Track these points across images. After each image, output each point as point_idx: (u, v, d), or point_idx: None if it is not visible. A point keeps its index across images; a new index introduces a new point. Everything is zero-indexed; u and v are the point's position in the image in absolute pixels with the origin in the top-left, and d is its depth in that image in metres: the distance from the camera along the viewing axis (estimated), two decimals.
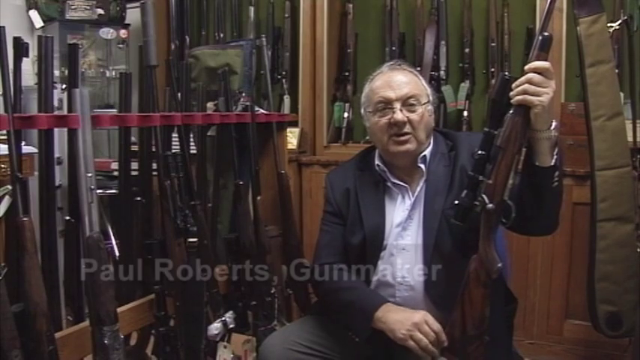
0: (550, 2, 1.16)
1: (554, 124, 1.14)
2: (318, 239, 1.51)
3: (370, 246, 1.39)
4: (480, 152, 1.18)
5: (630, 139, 1.84)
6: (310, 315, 1.53)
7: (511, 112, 1.14)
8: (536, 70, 1.11)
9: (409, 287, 1.35)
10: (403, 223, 1.38)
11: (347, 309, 1.35)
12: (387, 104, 1.37)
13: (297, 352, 1.37)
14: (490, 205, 1.16)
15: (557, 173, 1.16)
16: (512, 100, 1.14)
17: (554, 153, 1.15)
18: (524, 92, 1.11)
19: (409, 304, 1.34)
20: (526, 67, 1.13)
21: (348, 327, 1.37)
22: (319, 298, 1.51)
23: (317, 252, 1.49)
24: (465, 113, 2.44)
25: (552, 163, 1.15)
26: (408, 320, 1.25)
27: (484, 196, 1.17)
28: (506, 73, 1.19)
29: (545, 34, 1.13)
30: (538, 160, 1.15)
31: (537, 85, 1.11)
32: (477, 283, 1.21)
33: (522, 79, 1.12)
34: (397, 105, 1.35)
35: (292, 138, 2.58)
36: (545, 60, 1.12)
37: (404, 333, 1.24)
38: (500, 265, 1.19)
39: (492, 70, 2.42)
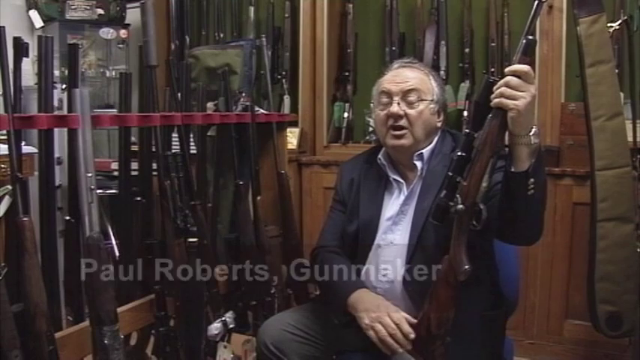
0: (536, 6, 1.16)
1: (533, 130, 1.11)
2: (322, 225, 1.56)
3: (362, 237, 1.42)
4: (459, 153, 1.18)
5: (630, 139, 1.83)
6: (312, 301, 1.57)
7: (490, 115, 1.14)
8: (515, 74, 1.10)
9: (389, 281, 1.37)
10: (394, 218, 1.40)
11: (327, 290, 1.43)
12: (388, 96, 1.38)
13: (291, 333, 1.41)
14: (460, 206, 1.16)
15: (531, 180, 1.12)
16: (491, 103, 1.13)
17: (532, 160, 1.12)
18: (501, 95, 1.10)
19: (388, 297, 1.35)
20: (506, 70, 1.12)
21: (328, 307, 1.43)
22: (314, 280, 1.55)
23: (319, 237, 1.54)
24: (465, 113, 2.44)
25: (525, 169, 1.12)
26: (373, 310, 1.27)
27: (458, 196, 1.17)
28: (491, 76, 1.18)
29: (530, 37, 1.12)
30: (514, 166, 1.13)
31: (514, 89, 1.09)
32: (445, 284, 1.21)
33: (501, 82, 1.11)
34: (396, 98, 1.37)
35: (292, 138, 2.58)
36: (527, 64, 1.11)
37: (367, 323, 1.26)
38: (467, 267, 1.18)
39: (492, 70, 2.42)
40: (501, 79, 1.11)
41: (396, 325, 1.24)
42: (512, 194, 1.15)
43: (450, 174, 1.19)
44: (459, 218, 1.18)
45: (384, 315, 1.25)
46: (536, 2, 1.14)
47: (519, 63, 1.11)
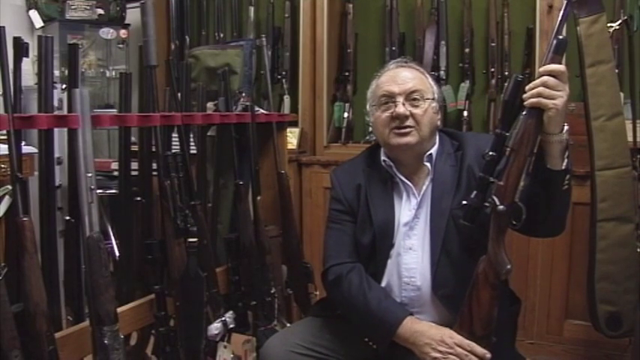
0: (566, 5, 1.16)
1: (565, 127, 1.14)
2: (325, 239, 1.47)
3: (380, 245, 1.38)
4: (490, 153, 1.18)
5: (630, 139, 1.83)
6: (311, 316, 1.52)
7: (524, 113, 1.14)
8: (551, 73, 1.11)
9: (416, 287, 1.34)
10: (410, 223, 1.37)
11: (367, 319, 1.32)
12: (390, 98, 1.36)
13: (299, 354, 1.36)
14: (501, 207, 1.16)
15: (568, 177, 1.17)
16: (525, 103, 1.13)
17: (565, 156, 1.15)
18: (539, 95, 1.11)
19: (415, 305, 1.34)
20: (541, 70, 1.12)
21: (365, 335, 1.36)
22: (333, 301, 1.45)
23: (327, 252, 1.44)
24: (465, 113, 2.44)
25: (564, 167, 1.15)
26: (437, 342, 1.23)
27: (495, 197, 1.16)
28: (519, 74, 1.19)
29: (560, 37, 1.12)
30: (549, 163, 1.15)
31: (552, 89, 1.10)
32: (486, 284, 1.20)
33: (537, 81, 1.12)
34: (400, 99, 1.34)
35: (292, 138, 2.58)
36: (560, 63, 1.12)
37: (435, 356, 1.22)
38: (509, 267, 1.18)
39: (492, 70, 2.42)
40: (530, 79, 1.12)
41: (469, 351, 1.20)
42: (548, 191, 1.17)
43: (482, 174, 1.19)
44: (498, 218, 1.17)
45: (453, 346, 1.21)
46: (565, 2, 1.15)
47: (551, 62, 1.12)
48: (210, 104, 1.94)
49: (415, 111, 1.34)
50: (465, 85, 2.45)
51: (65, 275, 1.34)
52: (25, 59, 1.20)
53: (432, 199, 1.36)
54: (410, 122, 1.34)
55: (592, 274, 1.79)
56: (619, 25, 1.86)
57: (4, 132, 1.10)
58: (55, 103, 1.49)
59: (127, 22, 3.06)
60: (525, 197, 1.18)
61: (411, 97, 1.35)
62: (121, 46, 2.99)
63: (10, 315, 1.03)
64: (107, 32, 2.92)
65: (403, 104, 1.34)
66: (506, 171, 1.16)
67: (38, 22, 2.89)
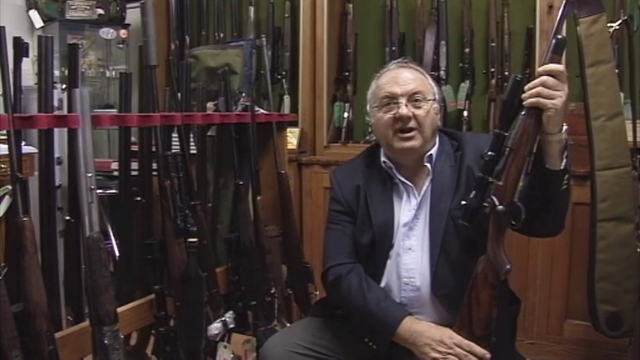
0: (564, 5, 1.16)
1: (564, 127, 1.14)
2: (325, 240, 1.47)
3: (379, 245, 1.37)
4: (489, 153, 1.18)
5: (630, 139, 1.84)
6: (311, 316, 1.52)
7: (523, 113, 1.14)
8: (550, 73, 1.11)
9: (415, 288, 1.34)
10: (409, 223, 1.37)
11: (366, 319, 1.33)
12: (392, 99, 1.35)
13: (299, 354, 1.36)
14: (500, 207, 1.16)
15: (566, 176, 1.17)
16: (524, 103, 1.13)
17: (564, 156, 1.15)
18: (538, 95, 1.11)
19: (415, 305, 1.34)
20: (540, 70, 1.12)
21: (365, 335, 1.36)
22: (334, 303, 1.45)
23: (327, 253, 1.44)
24: (465, 113, 2.45)
25: (562, 167, 1.15)
26: (437, 342, 1.23)
27: (494, 197, 1.16)
28: (519, 74, 1.19)
29: (559, 36, 1.12)
30: (548, 163, 1.15)
31: (551, 88, 1.10)
32: (485, 285, 1.20)
33: (536, 81, 1.12)
34: (402, 100, 1.34)
35: (292, 138, 2.58)
36: (559, 63, 1.12)
37: (435, 357, 1.22)
38: (509, 267, 1.18)
39: (492, 70, 2.42)
40: (529, 79, 1.12)
41: (468, 351, 1.20)
42: (547, 190, 1.17)
43: (481, 175, 1.19)
44: (497, 218, 1.17)
45: (452, 346, 1.21)
46: (564, 1, 1.16)
47: (550, 62, 1.12)
48: (210, 104, 1.94)
49: (417, 112, 1.34)
50: (465, 85, 2.45)
51: (65, 275, 1.34)
52: (25, 59, 1.20)
53: (432, 199, 1.35)
54: (412, 124, 1.33)
55: (592, 274, 1.79)
56: (619, 25, 1.86)
57: (4, 132, 1.10)
58: (55, 103, 1.49)
59: (127, 22, 3.06)
60: (524, 197, 1.17)
61: (413, 98, 1.34)
62: (121, 46, 2.99)
63: (10, 315, 1.03)
64: (107, 32, 2.92)
65: (406, 105, 1.33)
66: (505, 171, 1.16)
67: (38, 22, 2.89)
